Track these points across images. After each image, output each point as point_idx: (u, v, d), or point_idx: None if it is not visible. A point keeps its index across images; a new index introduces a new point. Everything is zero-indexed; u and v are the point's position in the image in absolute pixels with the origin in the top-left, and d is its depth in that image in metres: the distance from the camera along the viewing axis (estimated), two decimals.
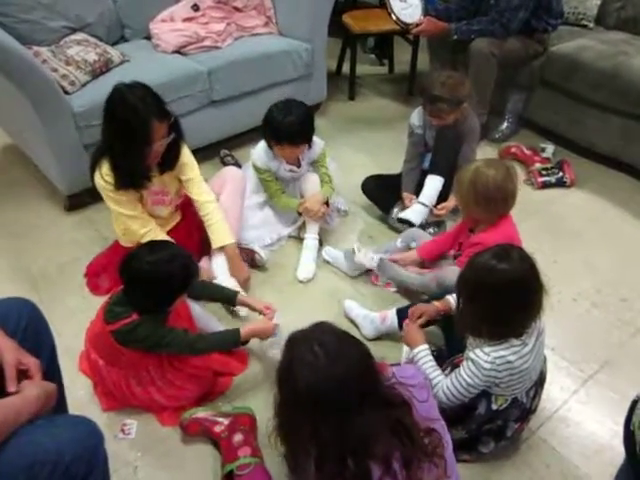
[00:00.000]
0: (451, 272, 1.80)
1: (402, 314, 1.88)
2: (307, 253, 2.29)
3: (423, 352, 1.59)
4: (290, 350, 1.12)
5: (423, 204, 2.33)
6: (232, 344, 1.73)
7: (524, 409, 1.53)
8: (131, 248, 1.84)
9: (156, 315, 1.60)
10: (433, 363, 1.57)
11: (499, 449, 1.59)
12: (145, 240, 1.91)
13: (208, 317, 1.91)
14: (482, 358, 1.40)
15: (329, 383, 1.04)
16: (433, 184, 2.34)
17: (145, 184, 1.94)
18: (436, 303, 1.77)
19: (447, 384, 1.48)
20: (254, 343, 1.83)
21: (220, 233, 2.08)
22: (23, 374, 1.15)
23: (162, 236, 2.01)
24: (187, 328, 1.67)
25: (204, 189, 2.10)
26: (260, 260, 2.25)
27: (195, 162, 2.10)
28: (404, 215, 2.34)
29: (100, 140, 1.91)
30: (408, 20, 2.89)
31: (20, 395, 1.08)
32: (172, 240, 1.99)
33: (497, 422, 1.51)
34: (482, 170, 1.76)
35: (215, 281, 2.05)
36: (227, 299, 1.89)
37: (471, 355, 1.43)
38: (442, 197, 2.37)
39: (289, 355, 1.12)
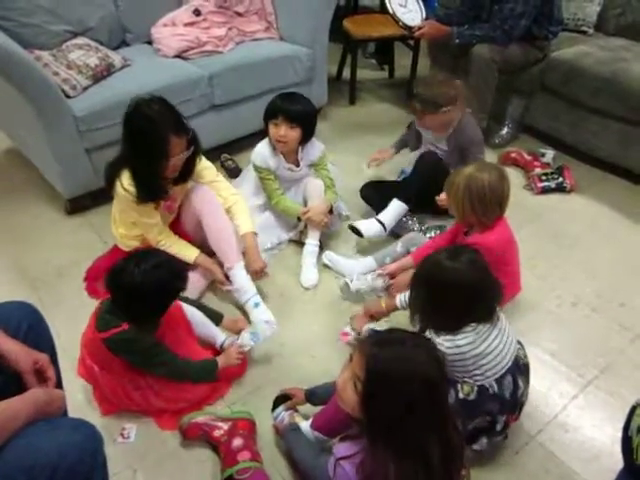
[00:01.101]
0: None
1: None
2: (308, 259, 2.27)
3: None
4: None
5: (380, 222, 2.29)
6: (211, 378, 1.74)
7: (503, 400, 1.49)
8: (127, 253, 1.84)
9: (147, 325, 1.59)
10: None
11: (494, 447, 1.58)
12: (160, 245, 2.00)
13: (204, 322, 1.88)
14: (434, 338, 1.44)
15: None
16: (395, 210, 2.32)
17: (163, 197, 1.96)
18: (382, 304, 1.90)
19: None
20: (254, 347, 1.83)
21: (244, 221, 2.14)
22: (41, 375, 1.18)
23: (174, 239, 2.06)
24: (176, 354, 1.65)
25: (226, 185, 2.19)
26: None
27: (211, 164, 2.16)
28: (356, 223, 2.32)
29: (120, 150, 1.90)
30: (410, 23, 2.91)
31: (18, 397, 1.08)
32: (183, 241, 2.07)
33: (486, 418, 1.50)
34: (476, 175, 1.76)
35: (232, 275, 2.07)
36: (213, 320, 1.91)
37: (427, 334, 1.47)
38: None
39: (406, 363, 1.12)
